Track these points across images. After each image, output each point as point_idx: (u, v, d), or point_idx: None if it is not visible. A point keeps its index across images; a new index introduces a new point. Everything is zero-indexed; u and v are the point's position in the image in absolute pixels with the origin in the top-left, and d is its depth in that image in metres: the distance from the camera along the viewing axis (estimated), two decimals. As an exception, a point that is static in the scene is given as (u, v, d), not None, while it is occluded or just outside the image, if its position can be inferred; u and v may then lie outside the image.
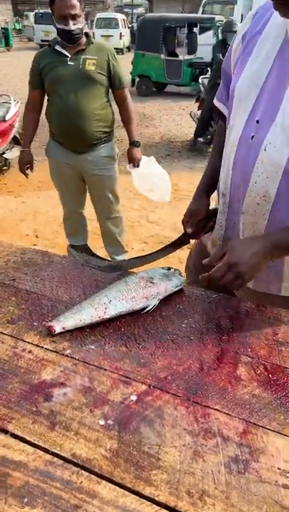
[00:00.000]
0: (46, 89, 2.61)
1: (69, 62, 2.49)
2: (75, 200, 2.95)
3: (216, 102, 1.33)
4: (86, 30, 2.57)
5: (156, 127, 8.06)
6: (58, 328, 0.97)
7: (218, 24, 9.54)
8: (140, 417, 0.78)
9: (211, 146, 1.23)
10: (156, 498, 0.65)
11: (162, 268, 1.19)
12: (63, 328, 0.98)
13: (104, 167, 2.73)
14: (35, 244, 3.66)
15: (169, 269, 1.19)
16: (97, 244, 3.54)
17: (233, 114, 1.14)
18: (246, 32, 1.12)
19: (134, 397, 0.82)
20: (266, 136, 1.03)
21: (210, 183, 1.34)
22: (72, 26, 2.39)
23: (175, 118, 8.77)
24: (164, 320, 1.03)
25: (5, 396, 0.82)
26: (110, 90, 2.67)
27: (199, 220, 1.28)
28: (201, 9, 15.01)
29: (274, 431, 0.75)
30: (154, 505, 0.64)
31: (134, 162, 2.89)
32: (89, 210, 3.09)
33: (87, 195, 2.99)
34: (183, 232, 1.29)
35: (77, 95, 2.49)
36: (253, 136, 1.06)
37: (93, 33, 9.46)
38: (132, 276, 1.12)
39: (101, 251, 3.48)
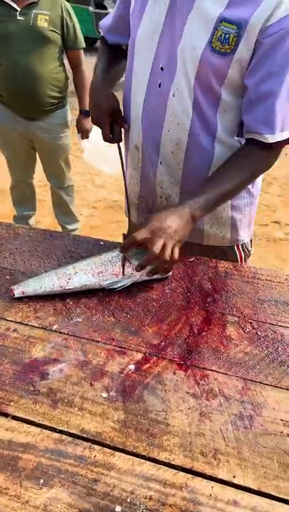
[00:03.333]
0: None
1: (18, 17, 2.21)
2: (24, 169, 2.76)
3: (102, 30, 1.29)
4: None
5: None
6: (16, 292, 0.96)
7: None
8: (142, 385, 0.78)
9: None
10: (172, 462, 0.66)
11: None
12: (22, 293, 0.96)
13: (57, 135, 2.56)
14: (-25, 215, 3.46)
15: None
16: (43, 212, 3.42)
17: (136, 61, 1.11)
18: None
19: (132, 367, 0.81)
20: (172, 83, 1.03)
21: (107, 77, 1.26)
22: None
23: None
24: (146, 288, 1.02)
25: (-3, 378, 0.78)
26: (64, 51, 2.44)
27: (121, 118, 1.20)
28: None
29: (271, 385, 0.79)
30: (171, 469, 0.65)
31: (82, 133, 2.75)
32: (35, 176, 2.95)
33: (37, 162, 2.82)
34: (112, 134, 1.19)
35: (29, 56, 2.25)
36: (160, 84, 1.06)
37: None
38: (110, 251, 1.03)
39: (47, 218, 3.37)
